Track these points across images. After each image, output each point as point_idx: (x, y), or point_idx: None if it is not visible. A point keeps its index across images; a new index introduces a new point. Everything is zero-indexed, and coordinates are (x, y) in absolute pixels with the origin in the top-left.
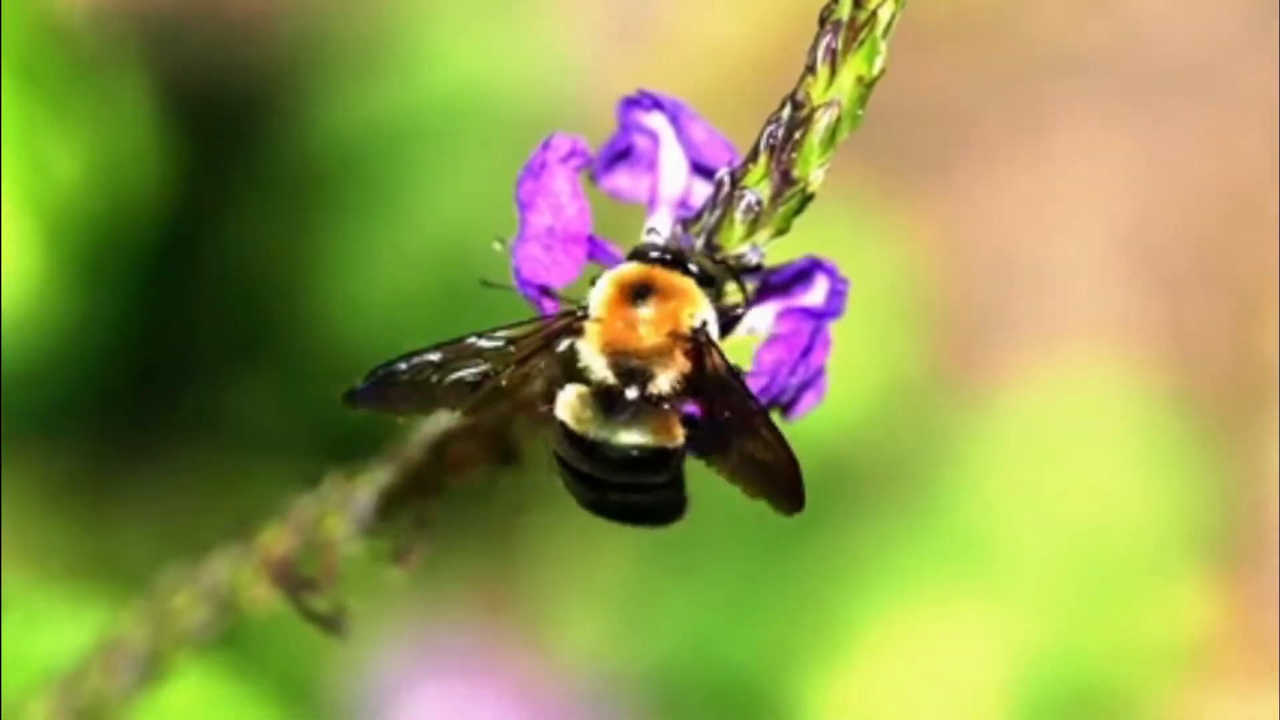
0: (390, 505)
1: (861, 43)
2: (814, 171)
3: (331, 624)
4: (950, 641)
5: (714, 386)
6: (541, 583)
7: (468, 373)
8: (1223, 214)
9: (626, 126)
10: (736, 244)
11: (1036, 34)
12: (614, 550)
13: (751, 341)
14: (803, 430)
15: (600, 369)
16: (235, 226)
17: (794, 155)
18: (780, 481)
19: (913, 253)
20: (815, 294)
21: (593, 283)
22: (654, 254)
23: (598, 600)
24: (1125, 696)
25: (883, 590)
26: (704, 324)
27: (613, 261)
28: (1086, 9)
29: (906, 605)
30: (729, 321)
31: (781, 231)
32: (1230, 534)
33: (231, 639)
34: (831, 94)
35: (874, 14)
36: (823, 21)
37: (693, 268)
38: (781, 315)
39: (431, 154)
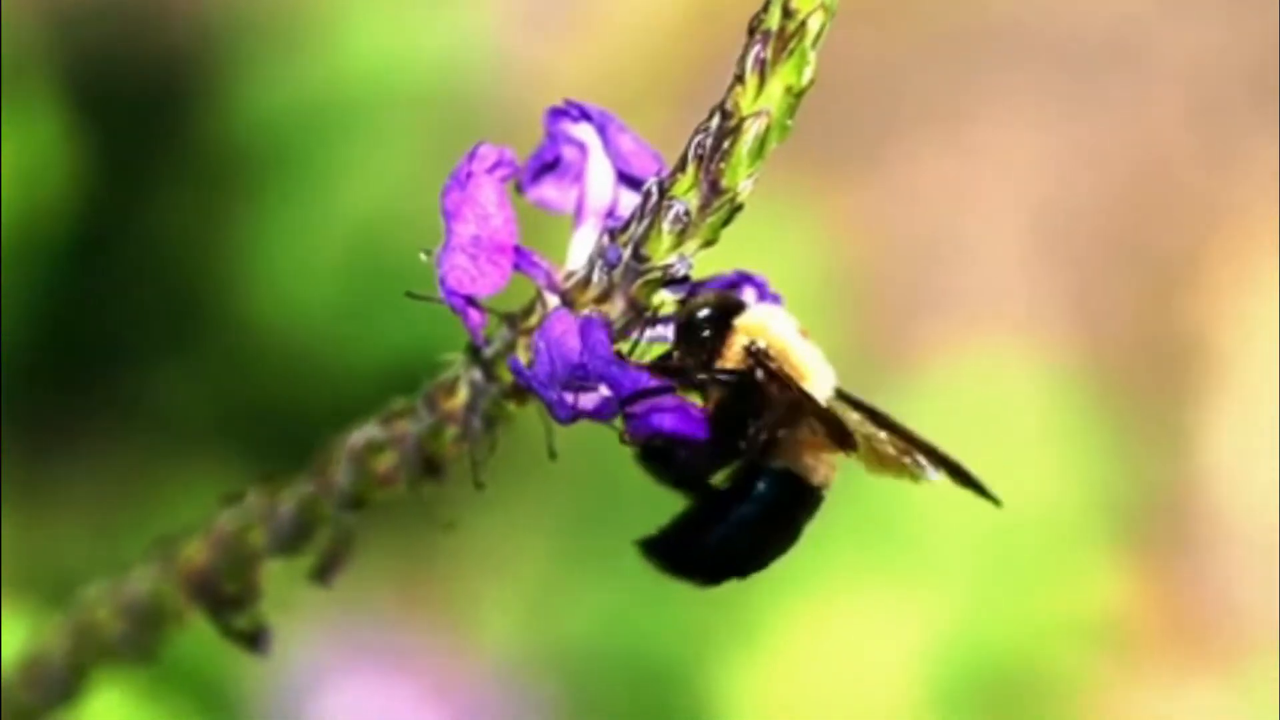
0: (312, 518)
1: (791, 53)
2: (743, 181)
3: (252, 641)
4: (867, 624)
5: None
6: (458, 575)
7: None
8: (1140, 188)
9: (554, 136)
10: (664, 255)
11: (957, 14)
12: (531, 541)
13: None
14: None
15: None
16: (155, 214)
17: (722, 165)
18: None
19: (834, 233)
20: None
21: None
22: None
23: (515, 591)
24: (1043, 677)
25: (800, 573)
26: None
27: (538, 272)
28: None
29: (824, 588)
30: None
31: (710, 242)
32: (1146, 514)
33: (152, 648)
34: (760, 104)
35: (803, 24)
36: (752, 31)
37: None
38: None
39: (352, 135)
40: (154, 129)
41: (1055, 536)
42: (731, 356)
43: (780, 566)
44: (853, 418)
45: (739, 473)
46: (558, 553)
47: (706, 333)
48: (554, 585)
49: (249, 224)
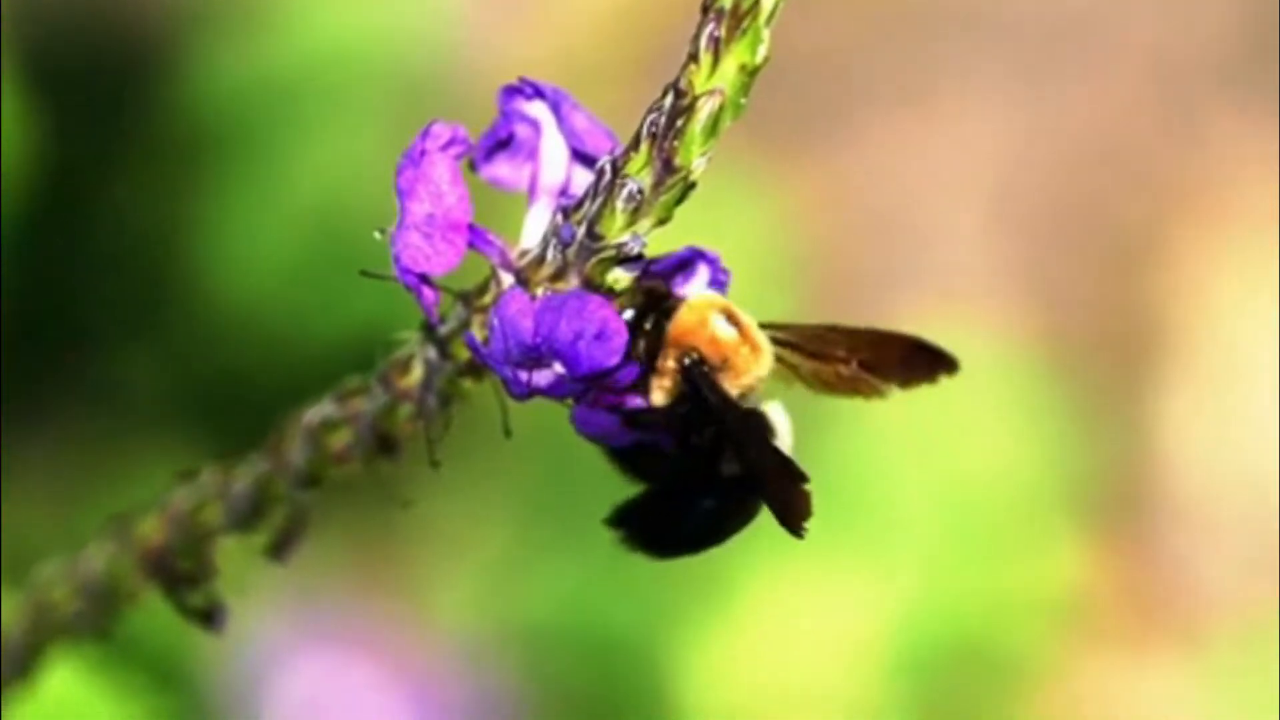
0: (267, 496)
1: (744, 31)
2: (696, 160)
3: (207, 618)
4: (827, 599)
5: None
6: (417, 554)
7: None
8: (1101, 167)
9: (507, 115)
10: (617, 233)
11: None
12: (489, 519)
13: None
14: None
15: None
16: (115, 194)
17: (676, 144)
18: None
19: (789, 209)
20: (697, 284)
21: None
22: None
23: (473, 570)
24: (1002, 653)
25: (760, 548)
26: None
27: (492, 250)
28: None
29: (785, 562)
30: None
31: (663, 221)
32: (1105, 490)
33: (108, 625)
34: (714, 82)
35: (757, 2)
36: (705, 9)
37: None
38: None
39: (312, 113)
40: (114, 108)
41: (1014, 512)
42: (667, 368)
43: (739, 543)
44: (793, 359)
45: (702, 459)
46: (516, 531)
47: (645, 326)
48: (512, 563)
49: (208, 203)
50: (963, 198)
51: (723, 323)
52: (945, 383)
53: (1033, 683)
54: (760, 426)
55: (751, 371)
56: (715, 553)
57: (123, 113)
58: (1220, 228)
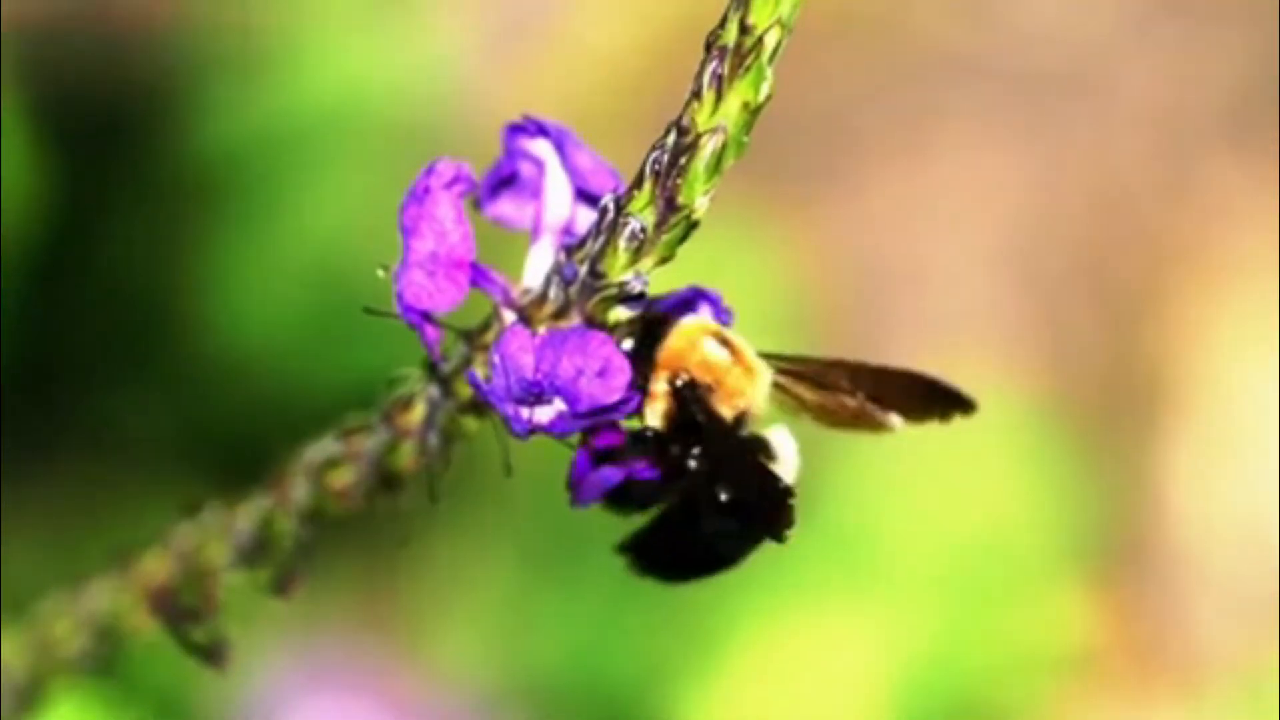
0: (270, 533)
1: (748, 69)
2: (699, 199)
3: (210, 655)
4: (830, 650)
5: None
6: (421, 595)
7: None
8: (1102, 219)
9: (511, 153)
10: (620, 271)
11: (918, 38)
12: (494, 562)
13: None
14: None
15: None
16: (118, 238)
17: (679, 182)
18: None
19: (793, 258)
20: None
21: None
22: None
23: (477, 613)
24: (1006, 705)
25: (763, 598)
26: None
27: (495, 288)
28: (969, 13)
29: (786, 614)
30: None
31: (665, 259)
32: (1111, 541)
33: (111, 661)
34: (717, 120)
35: (760, 40)
36: (709, 47)
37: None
38: None
39: (315, 160)
40: (117, 154)
41: (1016, 561)
42: (659, 392)
43: (744, 588)
44: (799, 390)
45: (700, 481)
46: (520, 571)
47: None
48: (516, 604)
49: (210, 248)
50: (964, 248)
51: (714, 345)
52: (947, 432)
53: None
54: (742, 444)
55: (745, 393)
56: (720, 601)
57: (127, 159)
58: (1220, 279)
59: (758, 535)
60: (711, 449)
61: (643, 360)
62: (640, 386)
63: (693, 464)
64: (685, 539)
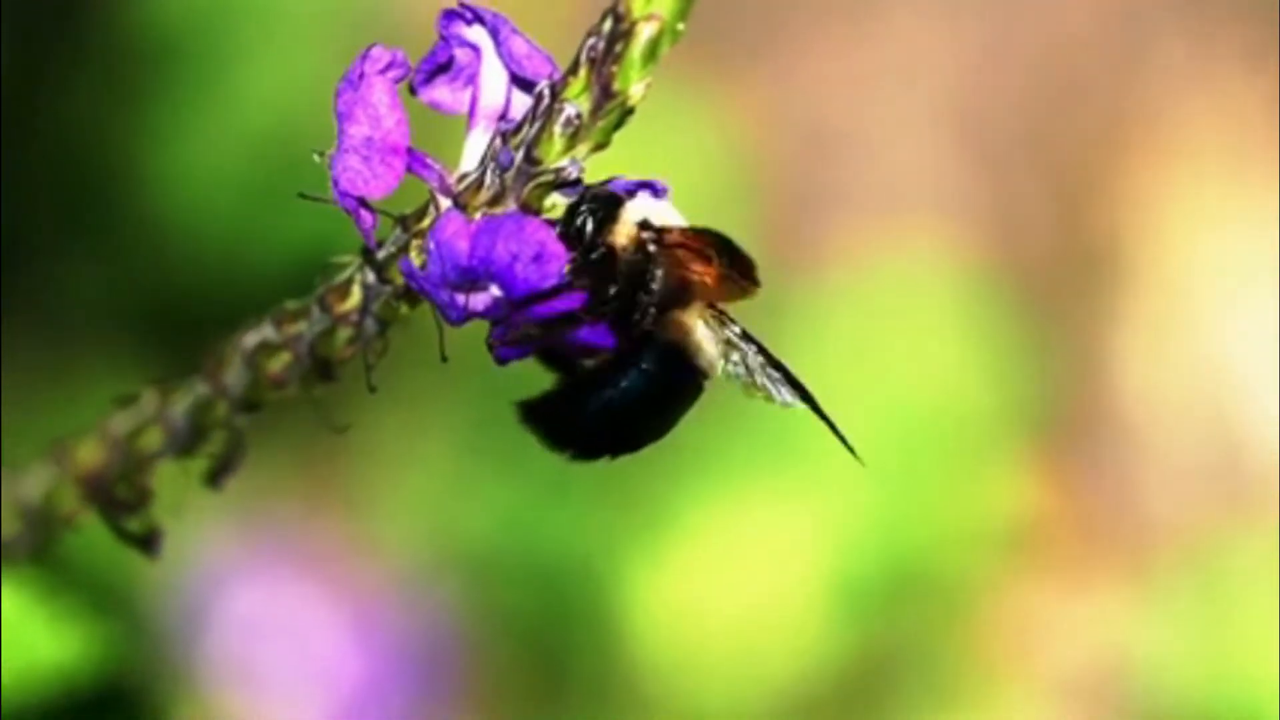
0: (206, 420)
1: None
2: (634, 85)
3: (145, 543)
4: (772, 524)
5: None
6: (360, 478)
7: None
8: (1051, 91)
9: (447, 39)
10: (555, 158)
11: None
12: (435, 445)
13: None
14: None
15: None
16: (59, 108)
17: (614, 69)
18: None
19: (735, 129)
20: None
21: None
22: None
23: (418, 495)
24: (949, 580)
25: (705, 473)
26: None
27: (430, 174)
28: None
29: (729, 488)
30: None
31: (601, 145)
32: (1057, 416)
33: (47, 549)
34: (653, 7)
35: None
36: None
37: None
38: None
39: (257, 35)
40: (60, 21)
41: (961, 438)
42: (621, 240)
43: (684, 467)
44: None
45: (624, 345)
46: (459, 453)
47: (590, 224)
48: (455, 485)
49: (153, 120)
50: (911, 117)
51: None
52: (891, 305)
53: (976, 608)
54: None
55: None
56: (660, 478)
57: (71, 27)
58: (1172, 158)
59: (664, 420)
60: (665, 293)
61: (592, 241)
62: (584, 265)
63: (640, 310)
64: (592, 409)
